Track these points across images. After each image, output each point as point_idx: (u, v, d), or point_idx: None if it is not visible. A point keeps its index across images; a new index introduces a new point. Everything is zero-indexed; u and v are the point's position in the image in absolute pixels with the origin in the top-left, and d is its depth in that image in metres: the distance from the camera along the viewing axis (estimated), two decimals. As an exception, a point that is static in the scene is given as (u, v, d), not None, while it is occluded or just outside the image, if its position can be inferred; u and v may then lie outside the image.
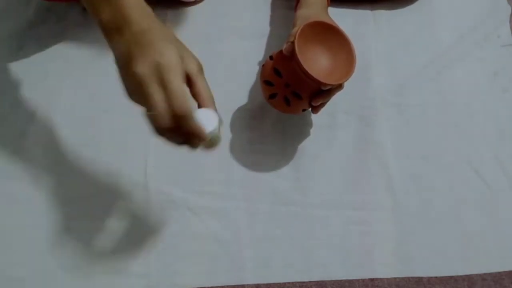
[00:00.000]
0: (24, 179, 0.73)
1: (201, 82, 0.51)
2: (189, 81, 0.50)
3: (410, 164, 0.75)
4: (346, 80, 0.66)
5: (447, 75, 0.84)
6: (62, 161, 0.75)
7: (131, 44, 0.48)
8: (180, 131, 0.49)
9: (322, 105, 0.70)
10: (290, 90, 0.67)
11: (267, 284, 0.66)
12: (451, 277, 0.66)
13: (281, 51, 0.67)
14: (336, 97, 0.81)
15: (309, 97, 0.68)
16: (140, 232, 0.69)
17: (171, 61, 0.47)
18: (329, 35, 0.68)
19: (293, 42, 0.63)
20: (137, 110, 0.82)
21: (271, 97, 0.70)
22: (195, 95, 0.51)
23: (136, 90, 0.48)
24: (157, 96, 0.46)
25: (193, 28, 0.89)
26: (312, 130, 0.78)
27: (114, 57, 0.50)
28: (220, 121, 0.53)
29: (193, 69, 0.50)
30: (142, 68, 0.46)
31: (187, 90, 0.49)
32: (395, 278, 0.66)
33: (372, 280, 0.66)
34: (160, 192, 0.72)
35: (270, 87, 0.69)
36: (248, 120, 0.79)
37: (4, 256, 0.68)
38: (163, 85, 0.46)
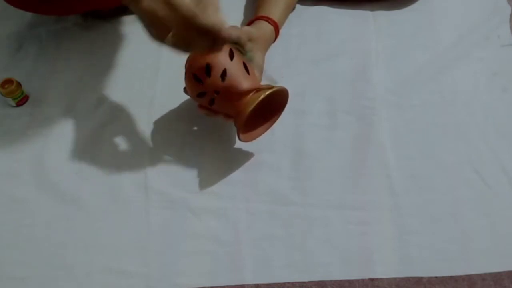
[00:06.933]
0: (24, 179, 0.73)
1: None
2: None
3: (410, 164, 0.75)
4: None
5: (447, 75, 0.84)
6: (62, 161, 0.75)
7: None
8: (200, 37, 0.56)
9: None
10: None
11: (267, 284, 0.66)
12: (451, 277, 0.66)
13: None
14: (336, 97, 0.82)
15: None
16: (140, 232, 0.69)
17: None
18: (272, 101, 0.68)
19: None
20: (137, 110, 0.82)
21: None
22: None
23: (151, 20, 0.56)
24: (167, 12, 0.55)
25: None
26: (312, 130, 0.78)
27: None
28: None
29: None
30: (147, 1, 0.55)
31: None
32: (395, 278, 0.66)
33: (372, 280, 0.66)
34: (160, 192, 0.72)
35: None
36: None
37: (4, 256, 0.68)
38: (167, 3, 0.55)
